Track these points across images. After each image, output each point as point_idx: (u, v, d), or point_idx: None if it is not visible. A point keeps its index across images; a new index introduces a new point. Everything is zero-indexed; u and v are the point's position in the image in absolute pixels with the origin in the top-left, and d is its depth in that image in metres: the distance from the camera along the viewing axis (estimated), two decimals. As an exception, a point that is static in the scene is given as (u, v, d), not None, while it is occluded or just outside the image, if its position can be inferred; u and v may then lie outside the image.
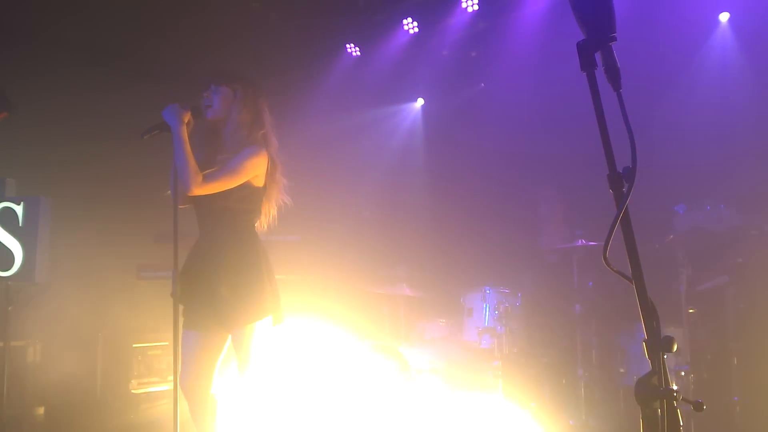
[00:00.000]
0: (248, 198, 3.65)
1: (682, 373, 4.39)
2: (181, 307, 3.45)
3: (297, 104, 5.79)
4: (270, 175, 3.73)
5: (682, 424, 1.86)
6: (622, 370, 4.54)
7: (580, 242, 4.65)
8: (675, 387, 1.83)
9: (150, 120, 3.50)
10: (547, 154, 5.54)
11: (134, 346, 5.61)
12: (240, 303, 3.52)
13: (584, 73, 1.93)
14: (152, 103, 4.53)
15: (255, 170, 3.62)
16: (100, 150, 5.58)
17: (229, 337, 3.64)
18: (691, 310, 4.48)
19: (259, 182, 3.67)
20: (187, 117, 3.55)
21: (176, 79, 5.56)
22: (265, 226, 3.80)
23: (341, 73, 6.36)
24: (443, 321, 5.26)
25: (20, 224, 4.66)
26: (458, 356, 4.81)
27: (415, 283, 5.37)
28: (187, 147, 3.49)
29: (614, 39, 1.92)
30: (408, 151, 6.69)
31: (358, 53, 6.41)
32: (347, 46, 6.39)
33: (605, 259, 1.94)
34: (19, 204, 4.67)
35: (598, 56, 1.94)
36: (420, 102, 6.73)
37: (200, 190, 3.55)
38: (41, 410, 5.13)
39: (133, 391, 5.56)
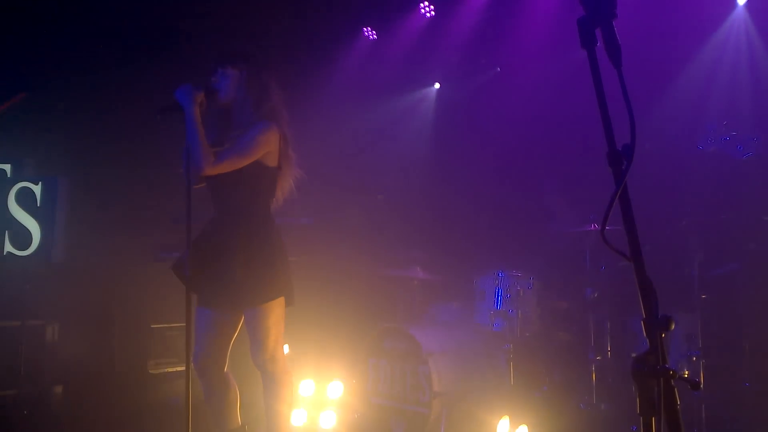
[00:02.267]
0: (261, 177, 3.69)
1: (694, 359, 4.37)
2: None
3: (313, 87, 5.81)
4: (283, 152, 3.76)
5: (679, 403, 1.87)
6: (634, 354, 4.51)
7: (593, 226, 4.63)
8: (686, 372, 1.85)
9: (166, 100, 3.55)
10: (563, 140, 5.50)
11: (152, 326, 5.68)
12: (252, 283, 3.56)
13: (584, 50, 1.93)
14: (169, 83, 4.56)
15: (266, 147, 3.65)
16: (117, 130, 5.63)
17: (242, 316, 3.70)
18: (703, 296, 4.44)
19: (272, 161, 3.70)
20: (200, 97, 3.59)
21: (192, 59, 5.59)
22: (281, 202, 3.84)
23: (358, 57, 6.37)
24: (456, 304, 5.27)
25: (38, 204, 4.74)
26: (470, 339, 4.82)
27: (429, 265, 5.38)
28: (200, 127, 3.53)
29: (615, 15, 1.91)
30: (423, 135, 6.68)
31: (375, 37, 6.40)
32: (364, 29, 6.39)
33: (603, 237, 1.94)
34: (37, 184, 4.75)
35: (599, 33, 1.94)
36: (436, 86, 6.72)
37: (212, 170, 3.59)
38: (59, 389, 5.22)
39: (150, 371, 5.63)
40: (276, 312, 3.62)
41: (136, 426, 5.02)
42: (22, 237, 4.68)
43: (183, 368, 5.71)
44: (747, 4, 5.06)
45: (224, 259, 3.60)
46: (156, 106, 3.48)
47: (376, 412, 4.85)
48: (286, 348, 3.80)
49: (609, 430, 4.36)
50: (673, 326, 1.90)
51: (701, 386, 1.81)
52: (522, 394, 4.37)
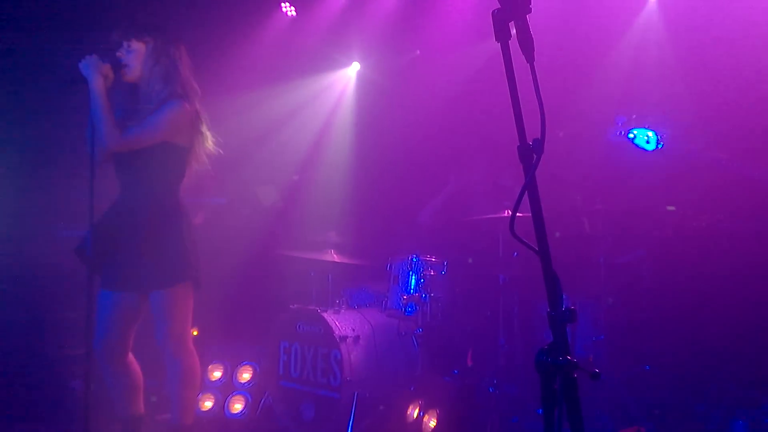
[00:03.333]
0: (170, 156, 3.56)
1: (598, 344, 4.51)
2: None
3: (228, 63, 5.63)
4: (195, 130, 3.63)
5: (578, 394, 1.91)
6: (541, 338, 4.65)
7: (506, 213, 4.70)
8: (590, 357, 1.88)
9: (70, 73, 3.37)
10: (480, 126, 5.55)
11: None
12: (157, 265, 3.45)
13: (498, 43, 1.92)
14: (71, 56, 4.32)
15: (176, 126, 3.52)
16: (17, 101, 5.33)
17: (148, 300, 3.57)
18: (608, 283, 4.59)
19: (183, 140, 3.57)
20: (105, 69, 3.43)
21: (100, 28, 5.31)
22: (193, 182, 3.72)
23: (275, 33, 6.22)
24: (369, 288, 5.27)
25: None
26: (382, 324, 4.82)
27: (344, 249, 5.34)
28: (105, 102, 3.38)
29: (529, 10, 1.91)
30: (342, 116, 6.61)
31: (294, 13, 6.27)
32: (282, 4, 6.24)
33: (512, 230, 1.95)
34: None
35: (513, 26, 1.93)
36: (355, 66, 6.64)
37: (117, 147, 3.44)
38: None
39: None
40: (182, 296, 3.53)
41: (30, 411, 4.82)
42: None
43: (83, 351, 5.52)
44: (658, 2, 5.21)
45: (129, 240, 3.48)
46: (59, 79, 3.30)
47: (286, 396, 4.81)
48: (193, 332, 3.69)
49: (517, 413, 4.45)
50: (576, 318, 1.94)
51: (600, 376, 1.84)
52: (433, 379, 4.41)
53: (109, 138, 3.37)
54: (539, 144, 1.87)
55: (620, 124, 4.01)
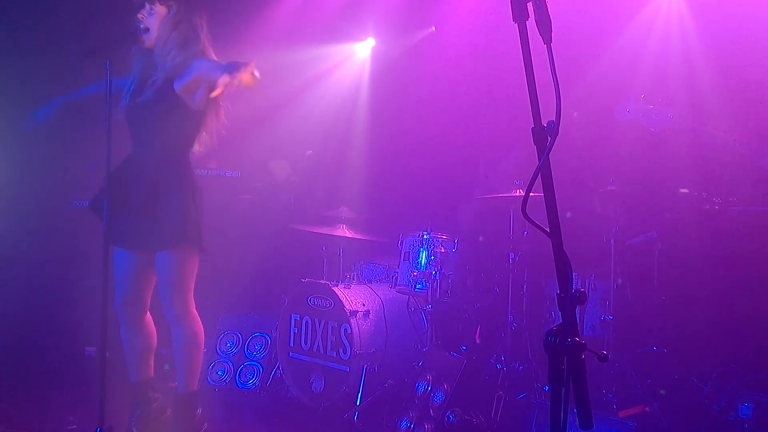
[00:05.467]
0: (183, 119, 3.54)
1: (607, 324, 4.54)
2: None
3: (241, 36, 5.61)
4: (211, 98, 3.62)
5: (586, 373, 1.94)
6: (548, 316, 4.69)
7: (518, 192, 4.71)
8: (583, 341, 1.90)
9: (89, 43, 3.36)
10: (494, 106, 5.52)
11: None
12: (161, 225, 3.47)
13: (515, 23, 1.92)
14: (91, 24, 4.32)
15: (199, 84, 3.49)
16: (33, 72, 5.35)
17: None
18: (618, 264, 4.59)
19: (197, 104, 3.56)
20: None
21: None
22: (203, 151, 3.73)
23: (290, 6, 6.19)
24: (380, 263, 5.31)
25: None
26: (392, 299, 4.86)
27: (355, 224, 5.38)
28: None
29: (546, -11, 1.90)
30: (355, 91, 6.60)
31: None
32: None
33: (524, 211, 1.97)
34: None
35: (531, 7, 1.93)
36: (370, 41, 6.61)
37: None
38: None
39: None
40: (185, 258, 3.54)
41: (45, 378, 4.92)
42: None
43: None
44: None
45: (135, 197, 3.49)
46: (77, 50, 3.29)
47: (297, 368, 4.88)
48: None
49: (524, 389, 4.50)
50: (585, 300, 1.97)
51: (608, 358, 1.87)
52: (441, 354, 4.45)
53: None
54: (554, 126, 1.88)
55: (630, 104, 3.97)
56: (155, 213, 3.46)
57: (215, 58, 3.61)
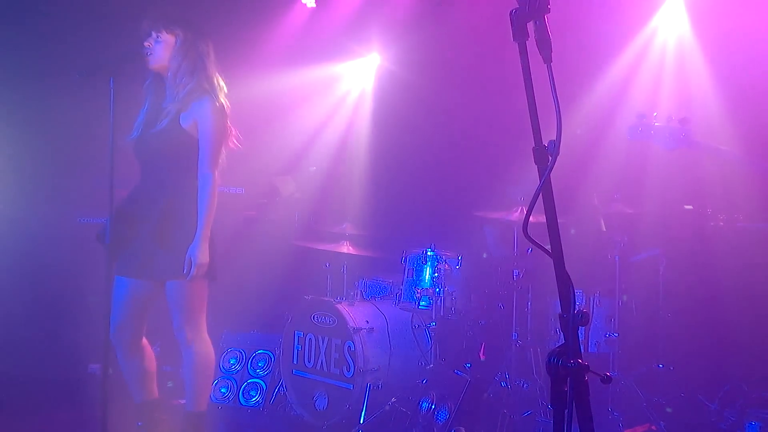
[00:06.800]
0: (192, 149, 3.58)
1: (612, 341, 4.51)
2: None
3: (246, 53, 5.64)
4: None
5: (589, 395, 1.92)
6: (553, 334, 4.66)
7: (521, 210, 4.71)
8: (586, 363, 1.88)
9: (92, 62, 3.37)
10: (498, 123, 5.51)
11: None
12: (172, 255, 3.49)
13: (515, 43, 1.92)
14: (95, 42, 4.35)
15: (222, 121, 3.57)
16: (38, 90, 5.38)
17: (164, 288, 3.61)
18: (623, 281, 4.57)
19: None
20: None
21: (123, 19, 5.36)
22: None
23: (294, 24, 6.22)
24: (384, 280, 5.29)
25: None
26: (396, 316, 4.85)
27: (359, 241, 5.37)
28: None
29: (548, 10, 1.90)
30: (359, 107, 6.61)
31: (314, 5, 6.25)
32: (301, -3, 6.23)
33: (525, 232, 1.96)
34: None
35: (531, 27, 1.93)
36: (375, 58, 6.63)
37: (215, 183, 3.55)
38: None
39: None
40: (197, 285, 3.56)
41: (48, 395, 4.91)
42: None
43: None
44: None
45: (145, 228, 3.51)
46: (80, 68, 3.31)
47: (300, 385, 4.86)
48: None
49: (529, 407, 4.47)
50: (588, 321, 1.95)
51: (611, 380, 1.85)
52: (445, 372, 4.43)
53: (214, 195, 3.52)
54: (555, 146, 1.87)
55: (640, 122, 3.96)
56: (167, 243, 3.47)
57: (222, 84, 3.66)
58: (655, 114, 3.98)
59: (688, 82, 4.93)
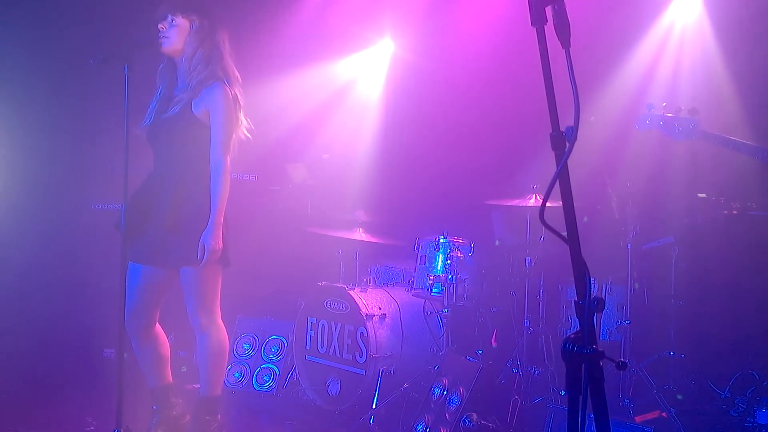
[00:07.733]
0: (205, 137, 3.60)
1: (624, 329, 4.51)
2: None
3: (260, 42, 5.65)
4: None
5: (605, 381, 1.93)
6: (565, 321, 4.67)
7: (535, 197, 4.71)
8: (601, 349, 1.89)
9: (106, 49, 3.39)
10: (512, 109, 5.49)
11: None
12: (186, 242, 3.51)
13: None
14: (109, 28, 4.36)
15: (231, 108, 3.57)
16: (53, 77, 5.41)
17: (178, 275, 3.64)
18: (635, 269, 4.57)
19: None
20: None
21: (138, 6, 5.37)
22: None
23: (307, 11, 6.20)
24: (396, 267, 5.31)
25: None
26: (408, 303, 4.87)
27: (372, 227, 5.38)
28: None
29: (565, -7, 1.90)
30: (372, 94, 6.60)
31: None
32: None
33: (542, 218, 1.96)
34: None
35: (550, 11, 1.93)
36: (388, 45, 6.61)
37: (226, 164, 3.58)
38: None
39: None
40: (211, 272, 3.59)
41: (64, 379, 4.97)
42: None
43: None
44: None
45: (159, 215, 3.54)
46: (94, 54, 3.32)
47: (313, 371, 4.89)
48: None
49: (540, 393, 4.49)
50: (603, 308, 1.96)
51: (626, 366, 1.86)
52: (457, 358, 4.45)
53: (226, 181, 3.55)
54: (572, 132, 1.87)
55: (650, 112, 3.95)
56: (181, 229, 3.50)
57: (237, 74, 3.67)
58: (664, 104, 3.96)
59: (701, 71, 4.90)
